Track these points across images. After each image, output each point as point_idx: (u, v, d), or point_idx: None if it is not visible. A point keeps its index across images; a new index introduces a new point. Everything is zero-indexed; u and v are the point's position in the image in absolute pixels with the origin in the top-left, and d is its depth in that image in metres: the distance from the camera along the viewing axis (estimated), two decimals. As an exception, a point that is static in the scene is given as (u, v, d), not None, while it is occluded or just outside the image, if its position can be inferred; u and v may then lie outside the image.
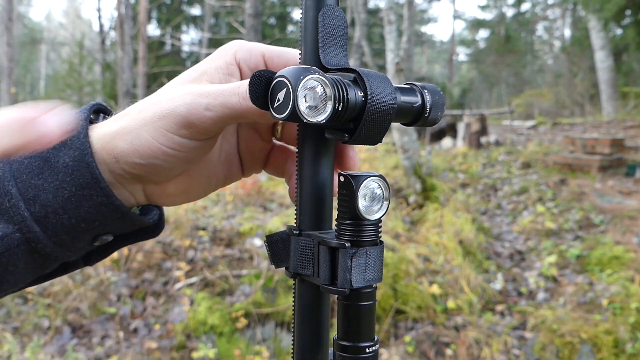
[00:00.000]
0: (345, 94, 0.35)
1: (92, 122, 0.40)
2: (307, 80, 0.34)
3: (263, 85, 0.36)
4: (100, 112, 0.42)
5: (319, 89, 0.34)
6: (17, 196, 0.36)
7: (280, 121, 0.42)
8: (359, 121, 0.36)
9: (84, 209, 0.37)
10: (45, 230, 0.37)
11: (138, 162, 0.38)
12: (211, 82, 0.40)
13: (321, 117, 0.34)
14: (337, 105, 0.35)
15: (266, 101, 0.36)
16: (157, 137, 0.38)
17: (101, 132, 0.39)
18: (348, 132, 0.37)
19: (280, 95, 0.35)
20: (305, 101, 0.34)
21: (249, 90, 0.36)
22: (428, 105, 0.40)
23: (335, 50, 0.39)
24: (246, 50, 0.41)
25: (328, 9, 0.38)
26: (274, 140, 0.47)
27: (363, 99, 0.36)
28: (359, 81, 0.36)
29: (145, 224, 0.42)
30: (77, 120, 0.39)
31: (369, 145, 0.39)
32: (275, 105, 0.35)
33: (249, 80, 0.36)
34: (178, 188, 0.43)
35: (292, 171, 0.45)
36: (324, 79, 0.34)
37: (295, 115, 0.34)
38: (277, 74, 0.36)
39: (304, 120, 0.34)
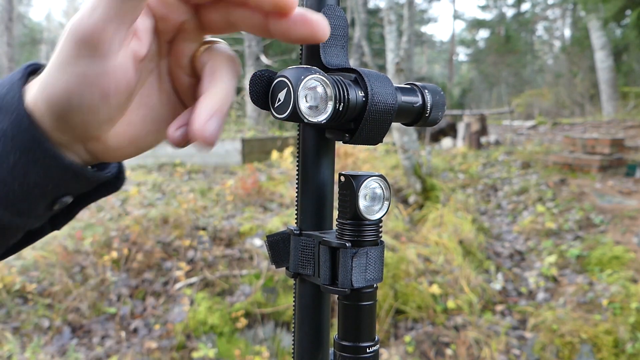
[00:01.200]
0: (346, 94, 0.35)
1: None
2: (308, 80, 0.34)
3: (264, 85, 0.36)
4: (37, 72, 0.38)
5: (320, 89, 0.34)
6: None
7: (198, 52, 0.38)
8: (359, 121, 0.36)
9: (33, 173, 0.35)
10: None
11: (60, 99, 0.34)
12: None
13: (322, 117, 0.34)
14: (337, 105, 0.35)
15: (267, 101, 0.36)
16: (59, 71, 0.34)
17: (34, 89, 0.35)
18: (349, 132, 0.37)
19: (281, 95, 0.35)
20: (306, 101, 0.34)
21: (249, 91, 0.36)
22: (429, 105, 0.40)
23: (336, 50, 0.39)
24: None
25: (329, 9, 0.38)
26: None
27: (364, 99, 0.36)
28: (359, 81, 0.36)
29: (103, 179, 0.39)
30: (11, 81, 0.36)
31: (370, 145, 0.39)
32: (276, 105, 0.35)
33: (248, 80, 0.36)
34: (121, 140, 0.39)
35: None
36: (324, 79, 0.34)
37: (295, 115, 0.34)
38: (277, 74, 0.36)
39: (305, 120, 0.34)
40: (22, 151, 0.35)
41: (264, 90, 0.36)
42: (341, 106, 0.35)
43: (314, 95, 0.34)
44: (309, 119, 0.34)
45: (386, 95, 0.36)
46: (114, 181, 0.41)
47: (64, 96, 0.34)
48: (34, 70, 0.38)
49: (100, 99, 0.35)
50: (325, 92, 0.34)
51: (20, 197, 0.36)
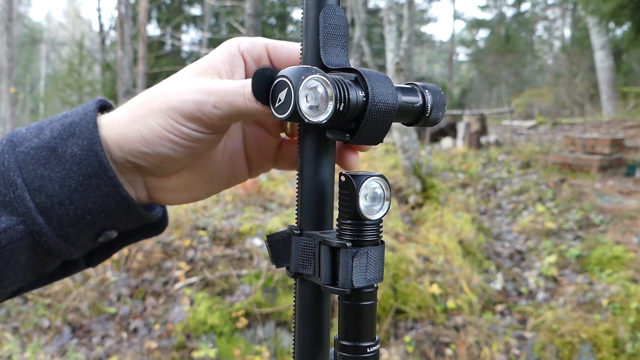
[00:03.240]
0: (346, 93, 0.35)
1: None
2: (309, 80, 0.34)
3: (265, 84, 0.36)
4: (104, 108, 0.42)
5: (320, 89, 0.34)
6: (22, 187, 0.36)
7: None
8: (360, 121, 0.36)
9: (91, 200, 0.37)
10: (50, 222, 0.36)
11: (143, 150, 0.38)
12: (218, 75, 0.40)
13: (322, 117, 0.34)
14: (338, 105, 0.34)
15: (268, 99, 0.36)
16: (165, 126, 0.38)
17: (106, 122, 0.39)
18: (349, 132, 0.37)
19: (282, 95, 0.35)
20: (307, 101, 0.34)
21: (252, 88, 0.36)
22: (429, 105, 0.40)
23: (336, 50, 0.39)
24: (249, 42, 0.42)
25: (329, 9, 0.38)
26: (283, 135, 0.47)
27: (364, 98, 0.36)
28: (360, 81, 0.36)
29: (150, 219, 0.42)
30: (85, 111, 0.39)
31: (370, 145, 0.39)
32: (277, 105, 0.35)
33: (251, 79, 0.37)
34: (180, 183, 0.43)
35: None
36: (325, 78, 0.34)
37: (296, 115, 0.34)
38: (278, 74, 0.36)
39: (305, 120, 0.34)
40: (85, 176, 0.37)
41: (265, 89, 0.36)
42: (342, 106, 0.35)
43: (314, 95, 0.34)
44: (310, 119, 0.34)
45: (387, 95, 0.36)
46: (158, 224, 0.44)
47: (159, 142, 0.38)
48: (104, 105, 0.42)
49: (189, 155, 0.40)
50: (326, 92, 0.34)
51: (72, 221, 0.37)
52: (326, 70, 0.38)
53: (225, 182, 0.46)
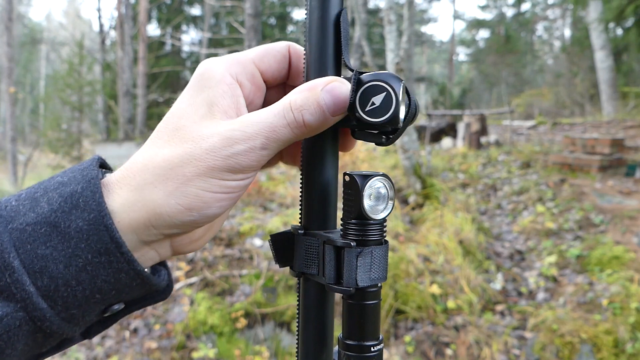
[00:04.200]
0: (409, 100, 0.38)
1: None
2: (402, 86, 0.36)
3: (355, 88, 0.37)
4: (101, 167, 0.38)
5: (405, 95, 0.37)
6: (20, 269, 0.32)
7: None
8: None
9: (101, 278, 0.33)
10: (54, 305, 0.33)
11: (187, 220, 0.35)
12: (225, 112, 0.37)
13: (402, 119, 0.37)
14: (406, 109, 0.37)
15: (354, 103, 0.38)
16: (211, 188, 0.35)
17: (122, 200, 0.34)
18: (386, 134, 0.38)
19: (377, 100, 0.36)
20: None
21: (352, 92, 0.37)
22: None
23: (347, 52, 0.40)
24: (237, 64, 0.39)
25: (345, 13, 0.40)
26: None
27: (409, 105, 0.38)
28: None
29: (160, 285, 0.38)
30: (85, 177, 0.34)
31: (389, 145, 0.40)
32: (369, 108, 0.36)
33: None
34: (205, 228, 0.41)
35: None
36: (406, 86, 0.37)
37: (395, 118, 0.36)
38: (372, 78, 0.37)
39: (400, 124, 0.37)
40: (94, 253, 0.33)
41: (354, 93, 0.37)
42: (408, 110, 0.38)
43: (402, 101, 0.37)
44: (401, 124, 0.37)
45: (417, 102, 0.39)
46: (164, 289, 0.40)
47: (206, 206, 0.35)
48: (102, 164, 0.38)
49: (235, 201, 0.37)
50: (401, 96, 0.37)
51: (79, 302, 0.33)
52: (352, 71, 0.39)
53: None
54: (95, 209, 0.33)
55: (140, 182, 0.35)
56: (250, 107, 0.41)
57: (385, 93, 0.36)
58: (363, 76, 0.37)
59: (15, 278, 0.32)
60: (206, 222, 0.36)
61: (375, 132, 0.38)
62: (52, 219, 0.33)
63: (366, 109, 0.36)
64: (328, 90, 0.36)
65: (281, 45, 0.41)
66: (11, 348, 0.32)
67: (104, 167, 0.39)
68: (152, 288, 0.37)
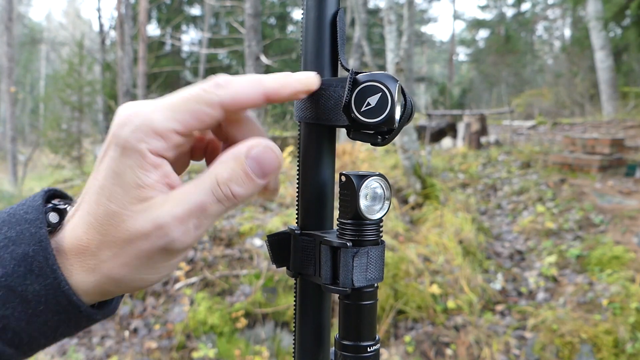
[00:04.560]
0: (410, 104, 0.38)
1: (50, 212, 0.36)
2: (398, 86, 0.36)
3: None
4: (52, 197, 0.38)
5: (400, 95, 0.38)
6: None
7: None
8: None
9: (61, 330, 0.35)
10: (18, 349, 0.34)
11: (138, 286, 0.36)
12: (154, 189, 0.34)
13: (397, 119, 0.37)
14: (401, 110, 0.37)
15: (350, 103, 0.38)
16: (144, 272, 0.35)
17: (75, 269, 0.35)
18: (381, 134, 0.38)
19: (372, 100, 0.36)
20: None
21: (347, 93, 0.37)
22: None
23: (343, 52, 0.40)
24: (155, 138, 0.34)
25: (342, 12, 0.39)
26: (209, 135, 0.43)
27: (404, 105, 0.38)
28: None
29: (105, 318, 0.39)
30: (34, 235, 0.34)
31: (385, 145, 0.40)
32: (364, 109, 0.37)
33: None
34: None
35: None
36: (402, 86, 0.37)
37: (391, 119, 0.36)
38: (369, 78, 0.37)
39: (395, 124, 0.37)
40: (55, 312, 0.34)
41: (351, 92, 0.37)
42: (403, 112, 0.38)
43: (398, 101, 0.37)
44: (396, 124, 0.37)
45: (413, 102, 0.39)
46: (106, 313, 0.40)
47: (137, 286, 0.36)
48: (52, 196, 0.38)
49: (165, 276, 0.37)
50: (396, 97, 0.37)
51: (37, 341, 0.35)
52: (347, 71, 0.39)
53: None
54: (50, 275, 0.33)
55: (90, 259, 0.35)
56: (179, 162, 0.40)
57: (380, 94, 0.36)
58: (359, 76, 0.37)
59: None
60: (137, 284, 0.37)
61: (371, 132, 0.38)
62: (7, 282, 0.33)
63: (362, 110, 0.36)
64: (253, 157, 0.34)
65: (212, 101, 0.35)
66: None
67: (55, 197, 0.38)
68: (98, 321, 0.38)
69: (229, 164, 0.35)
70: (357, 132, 0.39)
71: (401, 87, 0.37)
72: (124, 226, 0.34)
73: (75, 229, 0.35)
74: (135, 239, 0.34)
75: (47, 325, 0.34)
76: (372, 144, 0.39)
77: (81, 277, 0.35)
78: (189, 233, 0.34)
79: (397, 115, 0.37)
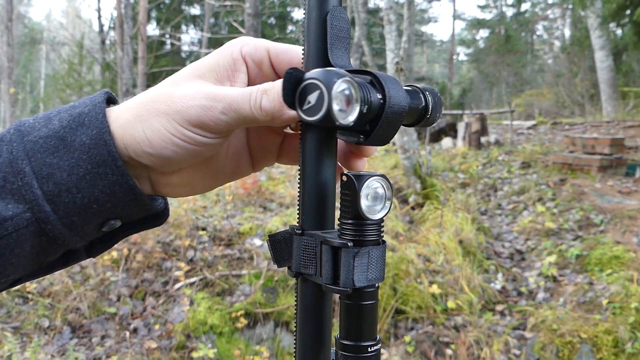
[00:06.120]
0: (369, 96, 0.36)
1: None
2: (341, 83, 0.34)
3: (292, 85, 0.36)
4: (110, 101, 0.43)
5: (348, 92, 0.35)
6: (30, 174, 0.36)
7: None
8: (375, 123, 0.37)
9: (98, 188, 0.37)
10: (57, 210, 0.37)
11: (147, 150, 0.39)
12: (218, 79, 0.41)
13: (350, 119, 0.35)
14: (362, 108, 0.35)
15: (294, 102, 0.36)
16: (170, 130, 0.38)
17: (114, 116, 0.39)
18: (363, 133, 0.38)
19: (312, 98, 0.35)
20: (337, 104, 0.35)
21: (282, 90, 0.36)
22: (430, 106, 0.42)
23: (340, 52, 0.40)
24: (252, 46, 0.42)
25: (335, 11, 0.39)
26: (287, 130, 0.47)
27: (381, 101, 0.37)
28: (375, 83, 0.38)
29: (154, 209, 0.42)
30: (93, 102, 0.39)
31: (380, 145, 0.39)
32: (306, 107, 0.36)
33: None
34: (183, 180, 0.44)
35: None
36: (353, 82, 0.35)
37: (329, 117, 0.34)
38: (306, 76, 0.36)
39: (337, 122, 0.35)
40: (93, 164, 0.37)
41: (292, 91, 0.36)
42: (365, 108, 0.36)
43: (342, 98, 0.35)
44: (340, 122, 0.35)
45: (400, 98, 0.38)
46: (160, 214, 0.44)
47: (163, 145, 0.39)
48: (110, 98, 0.42)
49: (193, 157, 0.40)
50: (352, 95, 0.35)
51: (78, 210, 0.38)
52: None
53: (228, 177, 0.47)
54: (97, 127, 0.38)
55: (128, 105, 0.40)
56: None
57: (318, 91, 0.35)
58: (307, 74, 0.36)
59: (25, 182, 0.36)
60: (164, 165, 0.40)
61: (353, 130, 0.38)
62: (61, 133, 0.38)
63: (304, 108, 0.36)
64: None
65: (300, 51, 0.42)
66: (20, 247, 0.37)
67: (113, 101, 0.43)
68: (146, 208, 0.41)
69: (274, 82, 0.39)
70: (341, 131, 0.39)
71: (376, 81, 0.36)
72: (179, 83, 0.40)
73: (127, 103, 0.41)
74: (177, 99, 0.38)
75: (86, 179, 0.37)
76: (356, 143, 0.38)
77: (122, 123, 0.39)
78: (213, 111, 0.38)
79: (354, 113, 0.35)
